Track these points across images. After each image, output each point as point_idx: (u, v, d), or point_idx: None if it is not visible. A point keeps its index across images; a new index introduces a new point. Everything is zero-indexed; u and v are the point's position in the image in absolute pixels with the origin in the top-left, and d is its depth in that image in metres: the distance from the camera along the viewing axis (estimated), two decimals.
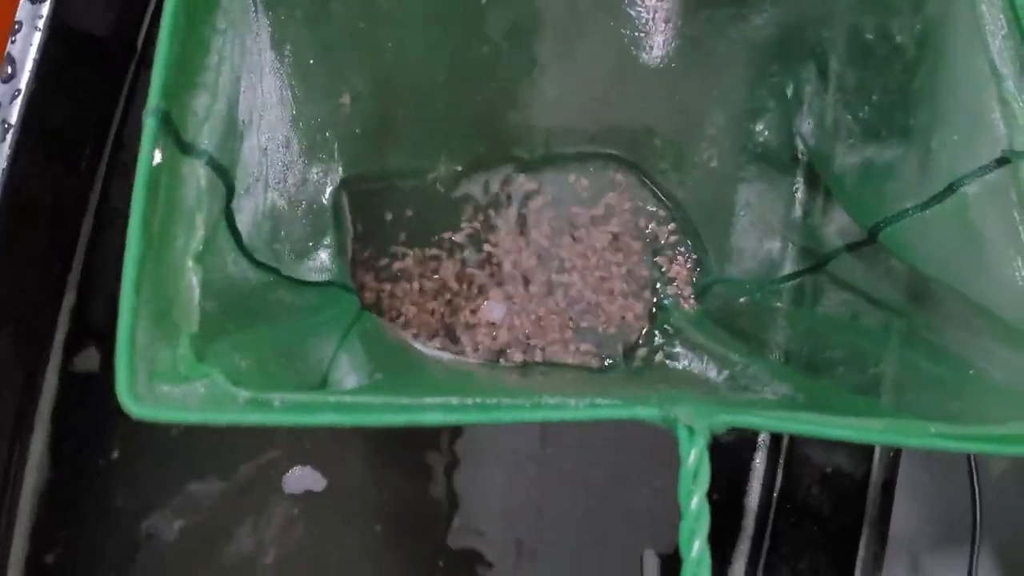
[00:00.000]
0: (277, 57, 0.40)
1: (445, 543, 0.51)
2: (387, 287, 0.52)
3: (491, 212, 0.53)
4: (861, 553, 0.45)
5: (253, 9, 0.36)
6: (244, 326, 0.31)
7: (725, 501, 0.54)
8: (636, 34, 0.49)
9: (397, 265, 0.52)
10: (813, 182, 0.50)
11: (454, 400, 0.24)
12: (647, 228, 0.54)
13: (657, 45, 0.49)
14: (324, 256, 0.45)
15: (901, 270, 0.41)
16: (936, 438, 0.25)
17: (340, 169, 0.48)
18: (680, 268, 0.53)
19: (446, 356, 0.51)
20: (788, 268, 0.50)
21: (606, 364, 0.52)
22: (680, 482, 0.23)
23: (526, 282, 0.53)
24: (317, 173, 0.47)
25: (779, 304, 0.49)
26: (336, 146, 0.47)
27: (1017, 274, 0.31)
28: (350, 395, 0.24)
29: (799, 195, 0.51)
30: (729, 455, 0.54)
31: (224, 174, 0.30)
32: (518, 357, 0.51)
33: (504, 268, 0.52)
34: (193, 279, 0.26)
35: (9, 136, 0.40)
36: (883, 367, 0.38)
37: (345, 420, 0.23)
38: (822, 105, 0.46)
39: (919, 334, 0.38)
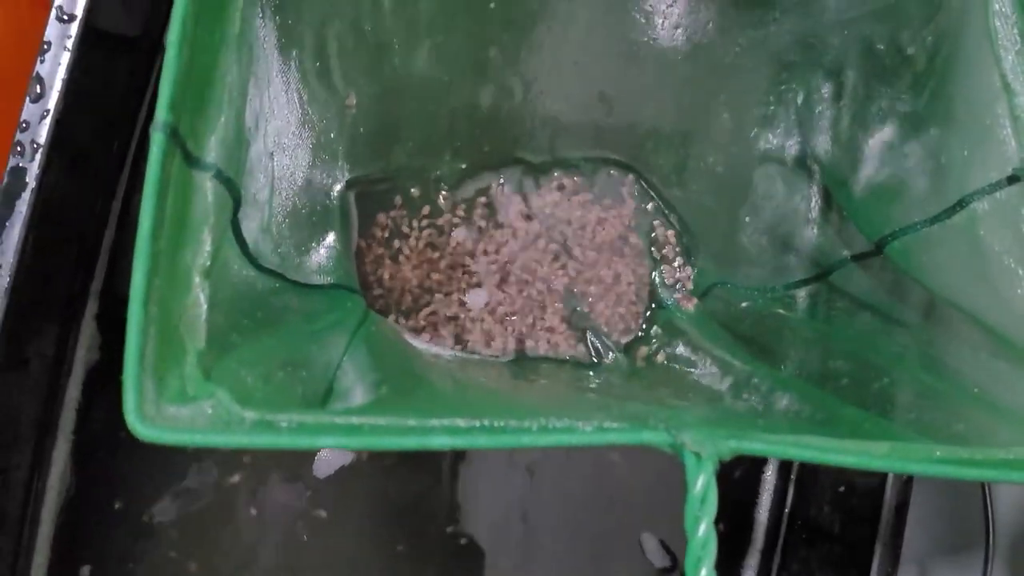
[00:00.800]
0: (284, 61, 0.40)
1: (445, 542, 0.52)
2: (385, 274, 0.52)
3: (492, 211, 0.53)
4: (874, 572, 0.45)
5: (260, 15, 0.36)
6: (251, 337, 0.31)
7: (733, 515, 0.54)
8: (643, 38, 0.49)
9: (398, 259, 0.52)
10: (820, 191, 0.50)
11: (460, 422, 0.24)
12: (650, 231, 0.54)
13: (665, 49, 0.49)
14: (330, 258, 0.45)
15: (907, 284, 0.41)
16: (940, 464, 0.25)
17: (346, 170, 0.48)
18: (682, 271, 0.53)
19: (447, 354, 0.51)
20: (792, 276, 0.49)
21: (606, 363, 0.52)
22: (687, 508, 0.23)
23: (527, 281, 0.53)
24: (323, 175, 0.47)
25: (782, 311, 0.48)
26: (342, 147, 0.47)
27: None
28: (356, 415, 0.24)
29: (805, 204, 0.50)
30: (739, 466, 0.54)
31: (231, 186, 0.30)
32: (513, 347, 0.51)
33: (505, 267, 0.52)
34: (200, 295, 0.26)
35: (38, 156, 0.40)
36: (888, 381, 0.38)
37: (352, 443, 0.23)
38: (832, 115, 0.46)
39: (924, 350, 0.37)
